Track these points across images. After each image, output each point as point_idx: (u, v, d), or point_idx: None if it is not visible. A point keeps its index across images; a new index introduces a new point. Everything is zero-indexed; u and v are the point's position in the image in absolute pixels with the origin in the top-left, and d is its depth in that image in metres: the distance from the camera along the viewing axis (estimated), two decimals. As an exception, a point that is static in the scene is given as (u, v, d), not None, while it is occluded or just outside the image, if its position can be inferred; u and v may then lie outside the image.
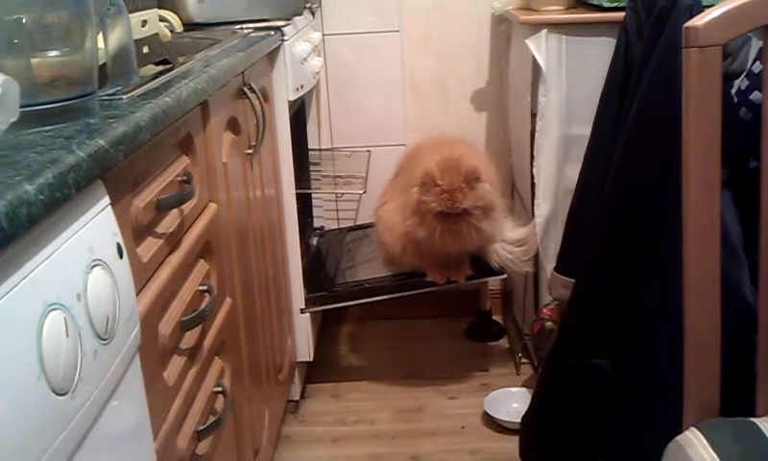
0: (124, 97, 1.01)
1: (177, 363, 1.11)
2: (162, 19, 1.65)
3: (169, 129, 1.09)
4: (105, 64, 1.06)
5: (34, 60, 0.93)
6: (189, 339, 1.17)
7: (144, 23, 1.21)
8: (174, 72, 1.20)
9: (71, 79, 0.96)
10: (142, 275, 0.99)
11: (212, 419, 1.20)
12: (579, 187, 1.62)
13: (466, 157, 1.96)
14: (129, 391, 0.87)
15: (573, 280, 1.59)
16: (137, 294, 0.93)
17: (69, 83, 0.96)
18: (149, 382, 0.95)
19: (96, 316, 0.77)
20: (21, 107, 0.82)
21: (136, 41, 1.16)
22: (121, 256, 0.86)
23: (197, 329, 1.19)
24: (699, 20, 0.92)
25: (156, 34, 1.33)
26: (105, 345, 0.79)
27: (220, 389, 1.27)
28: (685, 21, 1.28)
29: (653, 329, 1.32)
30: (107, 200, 0.85)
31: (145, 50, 1.21)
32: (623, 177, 1.41)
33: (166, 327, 1.06)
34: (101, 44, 1.04)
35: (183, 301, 1.14)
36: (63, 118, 0.89)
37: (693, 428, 1.00)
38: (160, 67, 1.25)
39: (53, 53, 0.97)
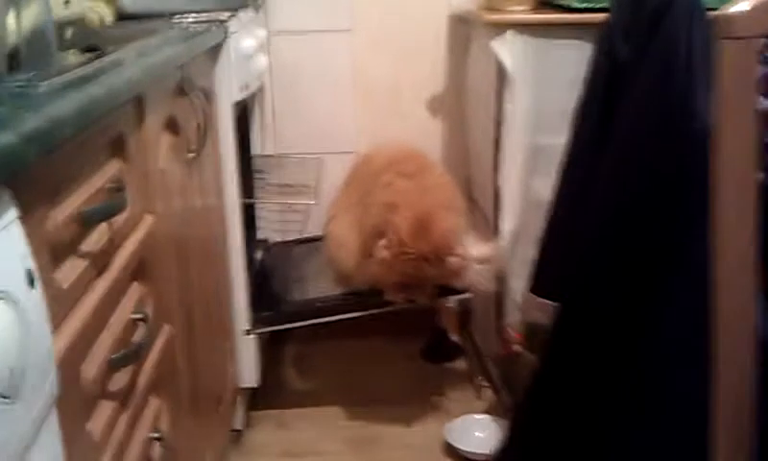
0: (41, 84, 0.81)
1: (104, 410, 0.91)
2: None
3: (97, 126, 0.90)
4: (16, 47, 0.87)
5: None
6: (120, 379, 0.97)
7: (67, 2, 1.02)
8: (103, 60, 1.01)
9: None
10: (61, 306, 0.79)
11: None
12: (557, 201, 1.48)
13: (438, 216, 1.82)
14: (42, 459, 0.68)
15: (551, 303, 1.45)
16: (54, 331, 0.74)
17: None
18: (69, 441, 0.76)
19: (-5, 368, 0.58)
20: None
21: (57, 23, 0.97)
22: (32, 286, 0.66)
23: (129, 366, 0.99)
24: (736, 8, 0.78)
25: (83, 17, 1.13)
26: (7, 405, 0.60)
27: (157, 435, 1.08)
28: (685, 21, 1.17)
29: (671, 372, 1.19)
30: (13, 213, 0.66)
31: (68, 34, 1.01)
32: (620, 188, 1.28)
33: (91, 368, 0.87)
34: (11, 23, 0.85)
35: (113, 333, 0.95)
36: (-43, 107, 0.70)
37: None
38: (87, 55, 1.06)
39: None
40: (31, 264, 0.67)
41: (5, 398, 0.59)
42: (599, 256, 1.31)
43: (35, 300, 0.67)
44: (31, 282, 0.66)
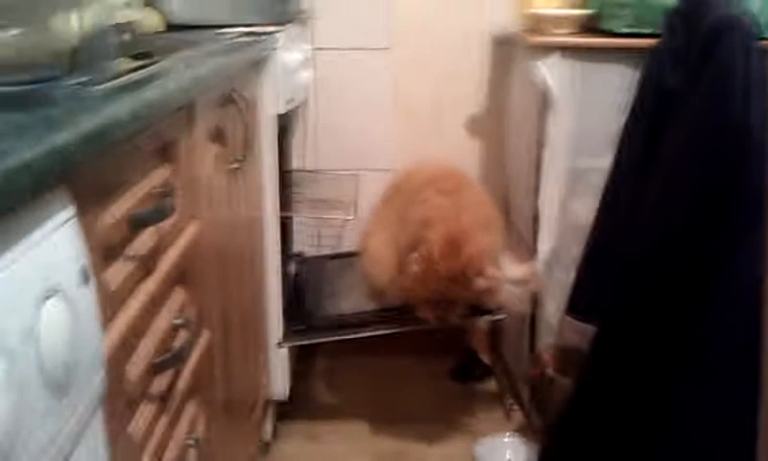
0: (97, 87, 0.82)
1: (145, 413, 0.92)
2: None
3: (149, 131, 0.91)
4: (75, 49, 0.88)
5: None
6: (160, 382, 0.98)
7: (128, 4, 1.03)
8: (157, 66, 1.03)
9: (33, 62, 0.79)
10: (109, 306, 0.80)
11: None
12: (598, 224, 1.47)
13: (472, 235, 1.80)
14: (88, 458, 0.68)
15: (588, 326, 1.44)
16: (102, 330, 0.75)
17: (30, 66, 0.78)
18: (112, 440, 0.77)
19: (50, 362, 0.59)
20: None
21: (115, 27, 0.98)
22: (86, 283, 0.67)
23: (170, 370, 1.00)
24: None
25: (136, 24, 1.15)
26: (60, 400, 0.60)
27: (193, 440, 1.08)
28: (741, 45, 1.16)
29: (716, 395, 1.16)
30: (71, 211, 0.67)
31: (125, 38, 1.03)
32: (669, 208, 1.26)
33: (135, 369, 0.87)
34: (73, 25, 0.87)
35: (156, 337, 0.96)
36: (18, 107, 0.71)
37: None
38: (140, 61, 1.08)
39: (12, 31, 0.79)
40: (85, 262, 0.68)
41: (58, 392, 0.60)
42: (644, 278, 1.29)
43: (88, 297, 0.67)
44: (85, 280, 0.67)
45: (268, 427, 2.02)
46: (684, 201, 1.23)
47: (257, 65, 1.71)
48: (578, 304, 1.50)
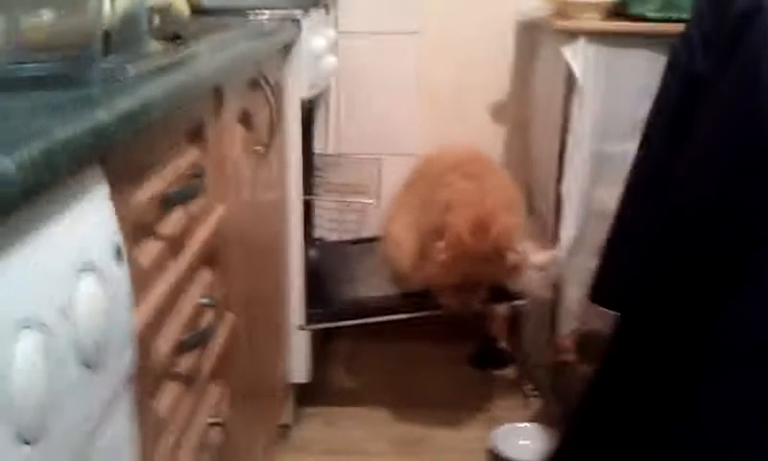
0: (131, 68, 0.83)
1: (170, 391, 0.93)
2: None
3: (180, 112, 0.92)
4: (109, 31, 0.89)
5: (24, 20, 0.77)
6: (186, 362, 0.99)
7: (157, -11, 1.04)
8: (188, 49, 1.03)
9: (68, 43, 0.80)
10: (139, 284, 0.81)
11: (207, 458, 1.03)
12: (624, 209, 1.46)
13: (498, 215, 1.80)
14: (115, 432, 0.69)
15: (611, 312, 1.43)
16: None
17: (65, 47, 0.79)
18: (139, 417, 0.78)
19: (84, 337, 0.60)
20: (5, 70, 0.65)
21: (148, 10, 0.99)
22: (119, 260, 0.68)
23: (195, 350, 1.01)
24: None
25: (168, 6, 1.16)
26: (92, 374, 0.61)
27: (216, 420, 1.10)
28: None
29: (739, 382, 1.16)
30: (105, 189, 0.68)
31: (156, 21, 1.04)
32: (695, 194, 1.25)
33: (162, 347, 0.89)
34: (107, 6, 0.88)
35: (183, 316, 0.97)
36: (56, 86, 0.72)
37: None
38: (171, 43, 1.08)
39: (48, 13, 0.80)
40: (119, 239, 0.69)
41: (91, 367, 0.61)
42: (668, 265, 1.29)
43: (120, 274, 0.68)
44: (118, 257, 0.68)
45: (288, 411, 2.03)
46: (712, 188, 1.22)
47: (284, 50, 1.72)
48: (601, 290, 1.49)
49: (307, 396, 2.17)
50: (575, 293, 1.92)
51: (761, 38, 1.15)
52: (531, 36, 2.28)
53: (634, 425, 1.30)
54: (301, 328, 1.96)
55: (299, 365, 1.98)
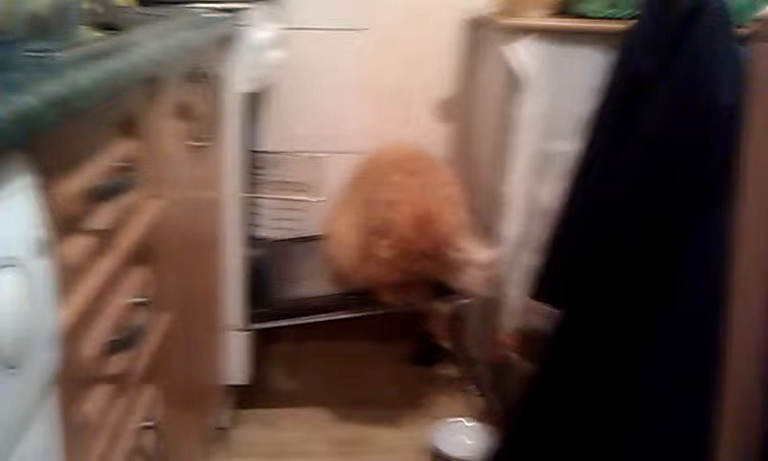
0: (60, 54, 0.79)
1: (100, 394, 0.89)
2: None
3: (111, 101, 0.88)
4: (37, 14, 0.85)
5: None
6: (117, 363, 0.95)
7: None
8: (124, 38, 0.99)
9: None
10: (67, 281, 0.77)
11: (140, 462, 0.99)
12: (566, 207, 1.46)
13: (440, 211, 1.81)
14: (37, 440, 0.65)
15: (553, 309, 1.44)
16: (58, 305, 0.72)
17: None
18: (66, 420, 0.74)
19: (2, 336, 0.56)
20: None
21: (84, -3, 0.95)
22: (42, 255, 0.64)
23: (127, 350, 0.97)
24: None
25: (103, -6, 1.12)
26: (10, 377, 0.57)
27: (150, 423, 1.05)
28: (718, 24, 1.16)
29: (675, 379, 1.17)
30: (29, 178, 0.64)
31: (96, 9, 0.99)
32: (637, 190, 1.26)
33: (91, 347, 0.84)
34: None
35: (113, 315, 0.92)
36: (-24, 69, 0.68)
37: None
38: (105, 32, 1.04)
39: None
40: (42, 233, 0.65)
41: (10, 368, 0.57)
42: (609, 262, 1.30)
43: (43, 269, 0.64)
44: (41, 251, 0.64)
45: (226, 413, 1.99)
46: (654, 184, 1.24)
47: (226, 42, 1.68)
48: (543, 288, 1.50)
49: (247, 398, 2.13)
50: (517, 291, 1.92)
51: (703, 37, 1.17)
52: (477, 34, 2.29)
53: (574, 422, 1.31)
54: (239, 329, 1.92)
55: (237, 366, 1.94)
